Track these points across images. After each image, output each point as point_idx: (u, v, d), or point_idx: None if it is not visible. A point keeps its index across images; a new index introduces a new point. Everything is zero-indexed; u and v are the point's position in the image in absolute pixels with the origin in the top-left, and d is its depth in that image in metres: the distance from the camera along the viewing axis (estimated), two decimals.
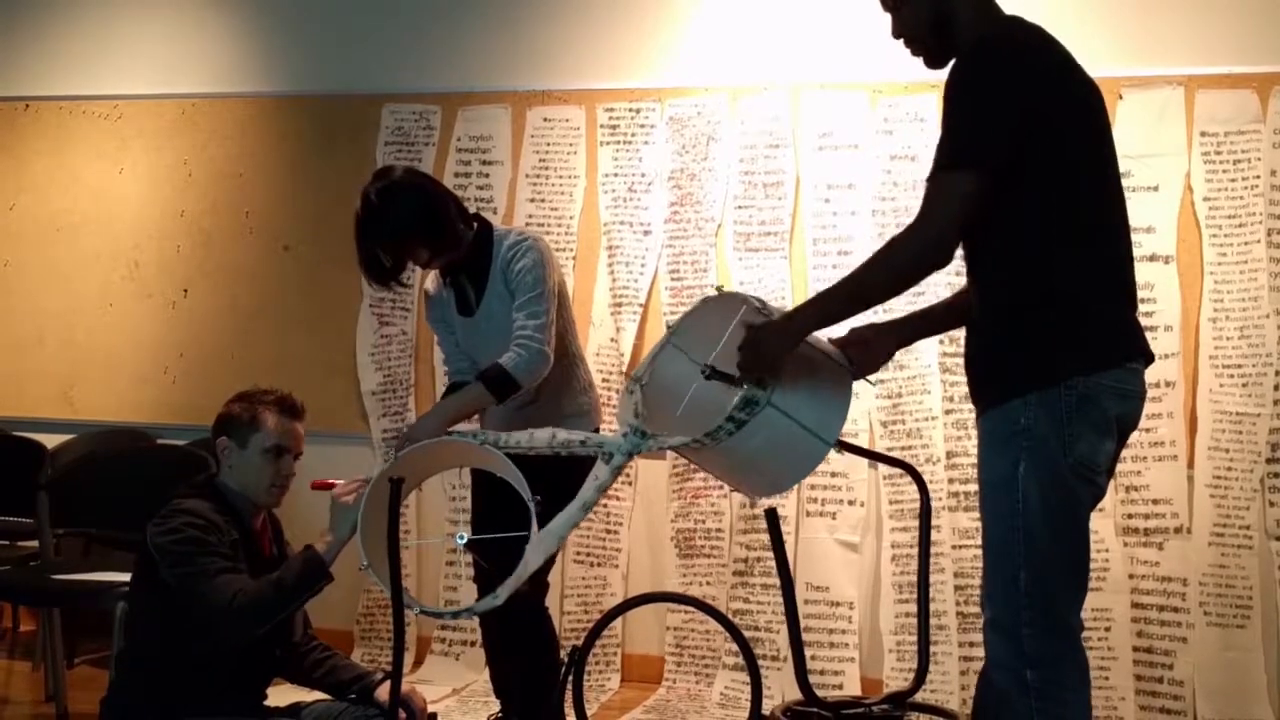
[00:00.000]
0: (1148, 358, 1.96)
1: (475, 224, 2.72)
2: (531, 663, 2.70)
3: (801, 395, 2.01)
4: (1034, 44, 1.92)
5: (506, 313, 2.66)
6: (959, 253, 1.96)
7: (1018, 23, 1.98)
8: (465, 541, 2.22)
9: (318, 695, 2.44)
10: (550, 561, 2.69)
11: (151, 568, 2.23)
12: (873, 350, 2.15)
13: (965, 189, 1.85)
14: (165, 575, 2.21)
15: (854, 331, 2.17)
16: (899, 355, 3.56)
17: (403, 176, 2.67)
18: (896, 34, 2.04)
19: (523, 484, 2.14)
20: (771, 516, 2.32)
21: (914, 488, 2.53)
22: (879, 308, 2.03)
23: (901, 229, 1.92)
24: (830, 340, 2.16)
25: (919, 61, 2.06)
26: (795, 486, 3.61)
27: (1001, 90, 1.85)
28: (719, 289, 2.22)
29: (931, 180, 1.89)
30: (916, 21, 2.00)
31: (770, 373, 1.97)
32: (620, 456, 2.12)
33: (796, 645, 2.35)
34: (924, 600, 2.47)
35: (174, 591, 2.19)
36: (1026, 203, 1.87)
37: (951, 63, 1.95)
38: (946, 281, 3.35)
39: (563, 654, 2.81)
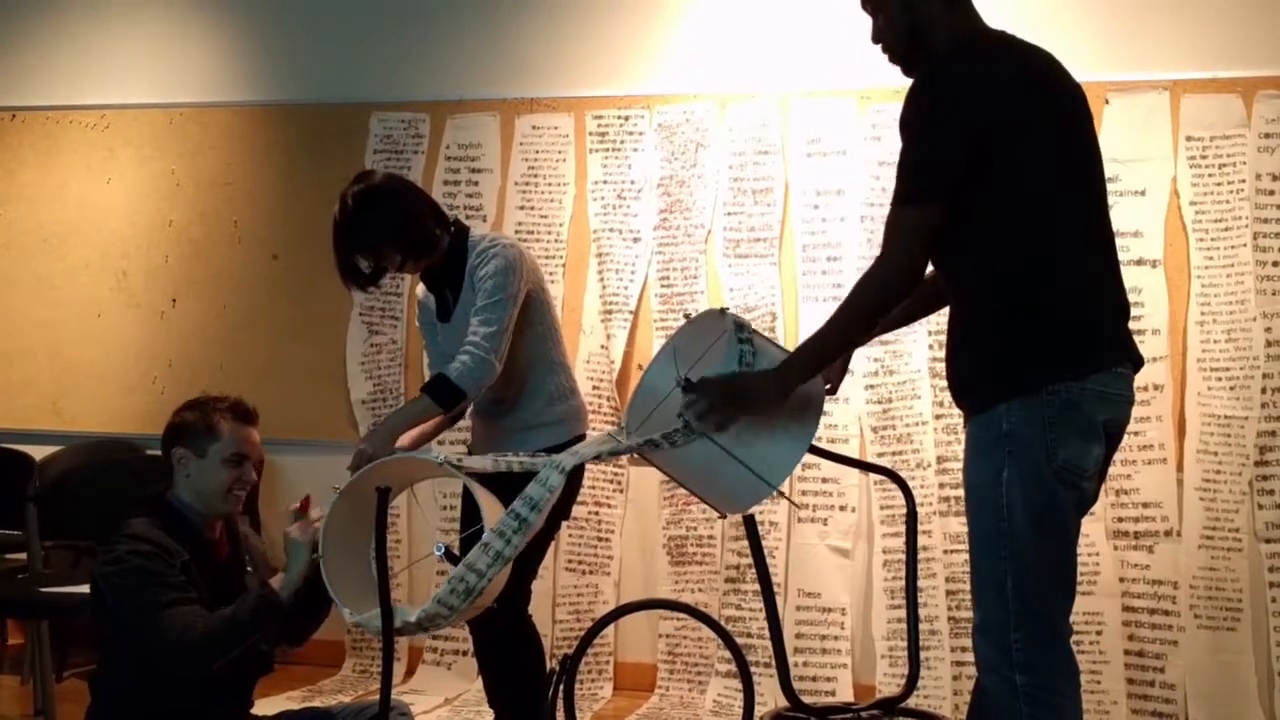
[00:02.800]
0: (1136, 363, 1.96)
1: (453, 229, 2.71)
2: (517, 673, 2.69)
3: (752, 441, 2.03)
4: (993, 61, 1.93)
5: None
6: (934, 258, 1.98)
7: (987, 37, 1.98)
8: (444, 552, 2.22)
9: (305, 704, 2.42)
10: (532, 572, 2.69)
11: (104, 595, 2.17)
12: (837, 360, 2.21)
13: (923, 222, 1.88)
14: (112, 608, 2.15)
15: None
16: (888, 361, 3.61)
17: (380, 181, 2.66)
18: (875, 39, 2.06)
19: (492, 501, 2.16)
20: (749, 523, 2.33)
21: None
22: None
23: (867, 267, 1.95)
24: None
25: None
26: (784, 493, 3.62)
27: (953, 112, 1.87)
28: (722, 310, 2.22)
29: (890, 214, 1.91)
30: (892, 28, 2.02)
31: (739, 415, 2.00)
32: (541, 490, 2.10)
33: (779, 651, 2.35)
34: (913, 606, 2.47)
35: (125, 623, 2.14)
36: (1000, 213, 1.88)
37: (909, 86, 1.97)
38: None
39: (554, 662, 2.80)
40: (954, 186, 1.87)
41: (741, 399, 2.01)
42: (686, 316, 2.29)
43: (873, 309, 1.96)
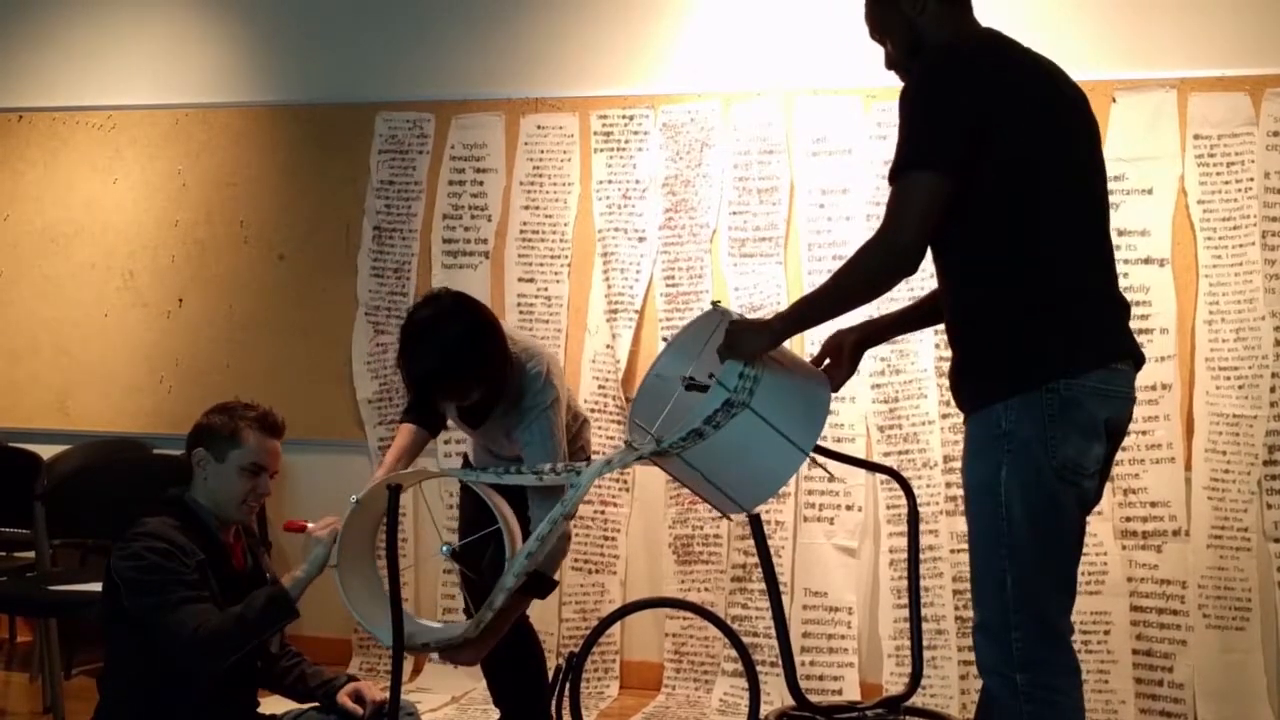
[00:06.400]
0: (1136, 360, 1.95)
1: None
2: (517, 674, 2.70)
3: (779, 404, 2.03)
4: (987, 52, 1.93)
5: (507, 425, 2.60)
6: (929, 259, 1.99)
7: (980, 35, 1.99)
8: (450, 552, 2.22)
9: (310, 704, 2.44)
10: None
11: (118, 592, 2.18)
12: (844, 355, 2.23)
13: (928, 188, 1.86)
14: (127, 603, 2.16)
15: (827, 341, 2.25)
16: (895, 360, 3.60)
17: (476, 309, 2.46)
18: (889, 65, 2.09)
19: (502, 512, 2.18)
20: (755, 522, 2.33)
21: None
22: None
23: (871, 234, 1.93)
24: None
25: None
26: (790, 492, 3.62)
27: (951, 93, 1.87)
28: (715, 304, 2.24)
29: (893, 184, 1.90)
30: (898, 49, 2.04)
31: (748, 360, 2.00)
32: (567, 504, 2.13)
33: (785, 650, 2.35)
34: (916, 605, 2.47)
35: (138, 618, 2.16)
36: (993, 207, 1.88)
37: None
38: (908, 287, 3.36)
39: (561, 661, 2.80)
40: (956, 154, 1.85)
41: (735, 345, 2.02)
42: (665, 340, 2.31)
43: (875, 277, 1.93)
